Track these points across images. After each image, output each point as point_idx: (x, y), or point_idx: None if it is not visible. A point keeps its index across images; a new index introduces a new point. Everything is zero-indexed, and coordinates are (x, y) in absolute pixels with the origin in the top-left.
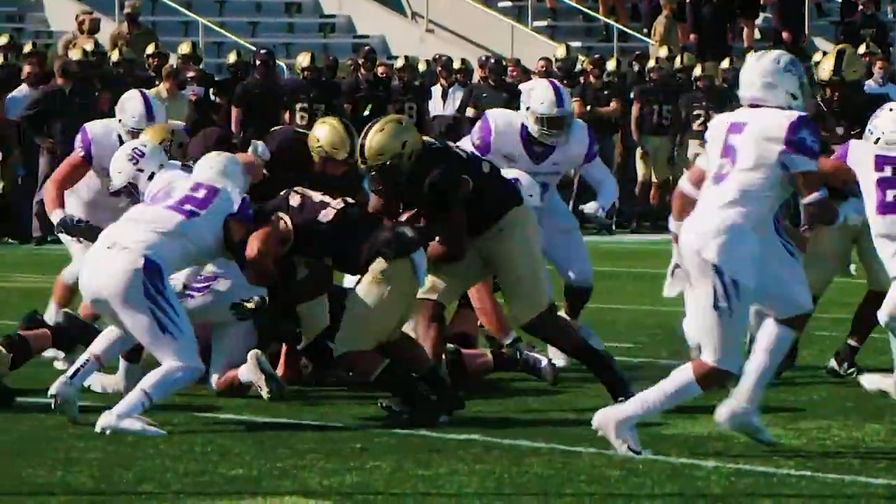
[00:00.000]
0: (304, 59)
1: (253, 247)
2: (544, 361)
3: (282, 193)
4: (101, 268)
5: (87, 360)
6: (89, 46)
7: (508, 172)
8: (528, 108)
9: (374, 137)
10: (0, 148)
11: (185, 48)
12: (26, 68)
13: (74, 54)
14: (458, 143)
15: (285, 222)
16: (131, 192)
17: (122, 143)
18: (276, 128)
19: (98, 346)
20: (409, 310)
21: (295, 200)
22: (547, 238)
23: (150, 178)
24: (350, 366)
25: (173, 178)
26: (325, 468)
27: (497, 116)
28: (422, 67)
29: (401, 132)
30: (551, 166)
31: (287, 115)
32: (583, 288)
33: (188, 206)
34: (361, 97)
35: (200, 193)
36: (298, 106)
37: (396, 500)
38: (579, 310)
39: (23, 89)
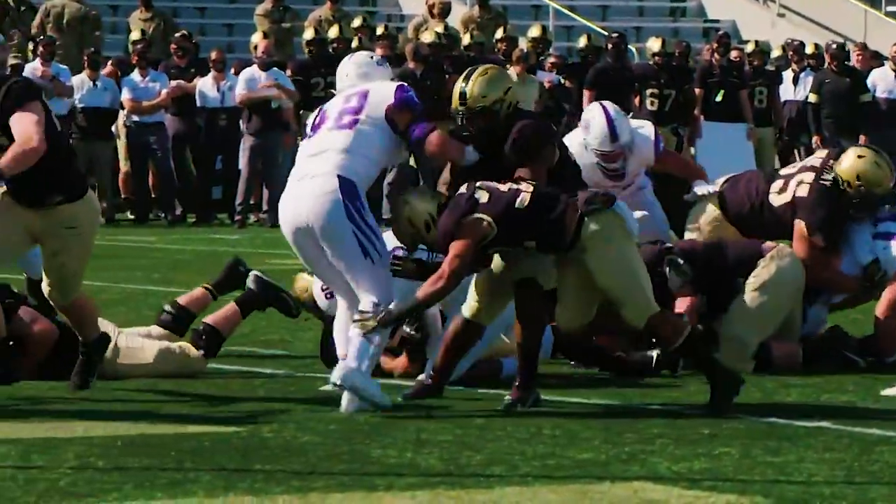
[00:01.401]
0: (654, 44)
1: (452, 261)
2: None
3: (465, 189)
4: (298, 197)
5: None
6: (440, 29)
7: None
8: None
9: (478, 80)
10: None
11: (534, 31)
12: (378, 51)
13: (426, 37)
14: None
15: (488, 223)
16: None
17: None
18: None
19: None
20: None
21: (483, 196)
22: None
23: None
24: (654, 332)
25: (325, 106)
26: (673, 453)
27: None
28: (776, 53)
29: (504, 79)
30: None
31: (637, 101)
32: None
33: (347, 119)
34: (714, 82)
35: (353, 102)
36: (648, 91)
37: (744, 486)
38: None
39: None
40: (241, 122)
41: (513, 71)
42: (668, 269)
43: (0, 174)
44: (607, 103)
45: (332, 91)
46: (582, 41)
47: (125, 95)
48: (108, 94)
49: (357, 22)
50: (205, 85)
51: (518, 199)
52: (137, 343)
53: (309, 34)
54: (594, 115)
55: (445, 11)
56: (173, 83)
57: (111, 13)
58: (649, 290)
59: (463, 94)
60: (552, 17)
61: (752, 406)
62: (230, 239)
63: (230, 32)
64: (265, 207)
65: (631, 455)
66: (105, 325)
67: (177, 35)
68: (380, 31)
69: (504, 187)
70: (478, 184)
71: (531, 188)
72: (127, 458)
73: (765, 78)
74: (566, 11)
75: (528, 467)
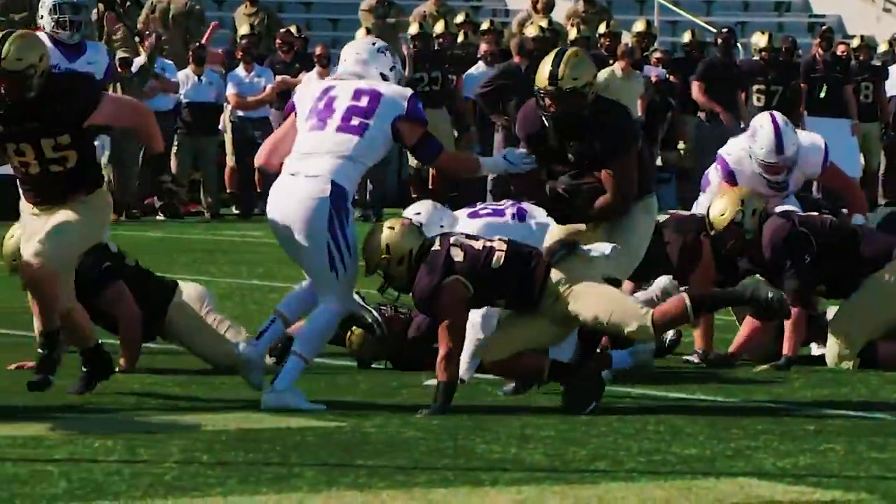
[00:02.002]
0: (760, 40)
1: (450, 331)
2: None
3: (437, 246)
4: (290, 194)
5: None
6: (544, 24)
7: None
8: None
9: (571, 62)
10: (456, 126)
11: (639, 26)
12: (483, 46)
13: (530, 32)
14: None
15: (464, 284)
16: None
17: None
18: None
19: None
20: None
21: (458, 254)
22: None
23: None
24: (667, 328)
25: (329, 87)
26: (778, 449)
27: None
28: (882, 48)
29: (592, 64)
30: None
31: (743, 96)
32: None
33: (356, 121)
34: (817, 77)
35: (363, 101)
36: (755, 87)
37: (850, 482)
38: None
39: (479, 67)
40: None
41: (617, 66)
42: (788, 262)
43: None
44: (777, 114)
45: (435, 87)
46: (686, 36)
47: (230, 91)
48: (213, 89)
49: (460, 18)
50: (310, 80)
51: (494, 259)
52: (221, 329)
53: (413, 29)
54: (763, 123)
55: (549, 6)
56: (278, 78)
57: (216, 8)
58: (632, 300)
59: (554, 75)
60: (657, 12)
61: (857, 403)
62: None
63: (335, 27)
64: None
65: (736, 451)
66: (197, 290)
67: (282, 30)
68: (485, 25)
69: (478, 244)
70: (451, 240)
71: (504, 246)
72: (231, 453)
73: (871, 73)
74: (670, 6)
75: (633, 463)
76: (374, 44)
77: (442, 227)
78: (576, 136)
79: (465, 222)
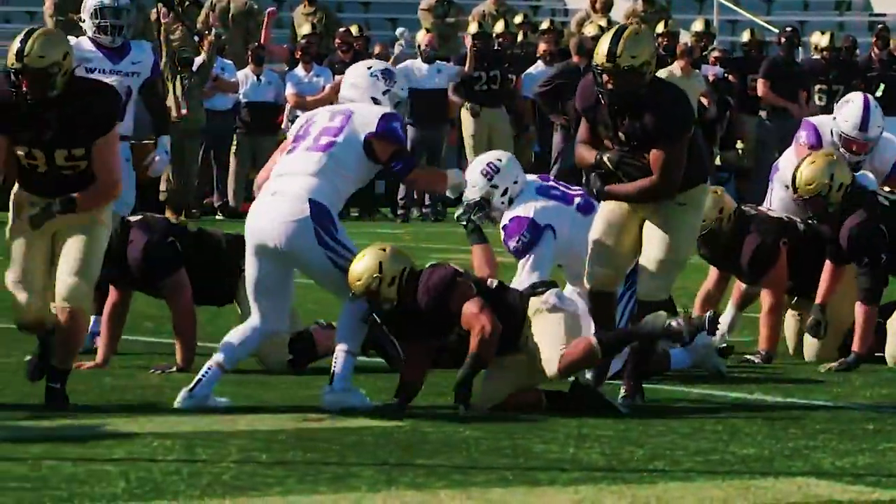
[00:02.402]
0: (821, 39)
1: (481, 316)
2: None
3: (449, 271)
4: (266, 213)
5: (209, 369)
6: (604, 23)
7: None
8: None
9: (631, 39)
10: (515, 126)
11: (698, 25)
12: (542, 46)
13: (589, 31)
14: None
15: (473, 289)
16: (483, 207)
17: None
18: None
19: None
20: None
21: (459, 269)
22: None
23: (504, 193)
24: (574, 369)
25: (314, 113)
26: (837, 449)
27: None
28: None
29: (652, 41)
30: None
31: (804, 96)
32: None
33: (325, 140)
34: (873, 76)
35: (336, 122)
36: (817, 87)
37: None
38: None
39: (538, 66)
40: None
41: (676, 65)
42: (865, 259)
43: (73, 209)
44: (870, 95)
45: (494, 86)
46: (745, 35)
47: (289, 90)
48: (272, 88)
49: (519, 17)
50: None
51: (489, 281)
52: None
53: (473, 28)
54: (853, 99)
55: (608, 6)
56: (337, 78)
57: (276, 7)
58: (558, 341)
59: (612, 53)
60: (716, 11)
61: None
62: (393, 233)
63: (394, 27)
64: (427, 202)
65: (794, 450)
66: None
67: (341, 30)
68: (544, 25)
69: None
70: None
71: (495, 281)
72: (289, 453)
73: None
74: (730, 5)
75: (690, 462)
76: (369, 68)
77: (516, 182)
78: (630, 115)
79: (534, 198)
